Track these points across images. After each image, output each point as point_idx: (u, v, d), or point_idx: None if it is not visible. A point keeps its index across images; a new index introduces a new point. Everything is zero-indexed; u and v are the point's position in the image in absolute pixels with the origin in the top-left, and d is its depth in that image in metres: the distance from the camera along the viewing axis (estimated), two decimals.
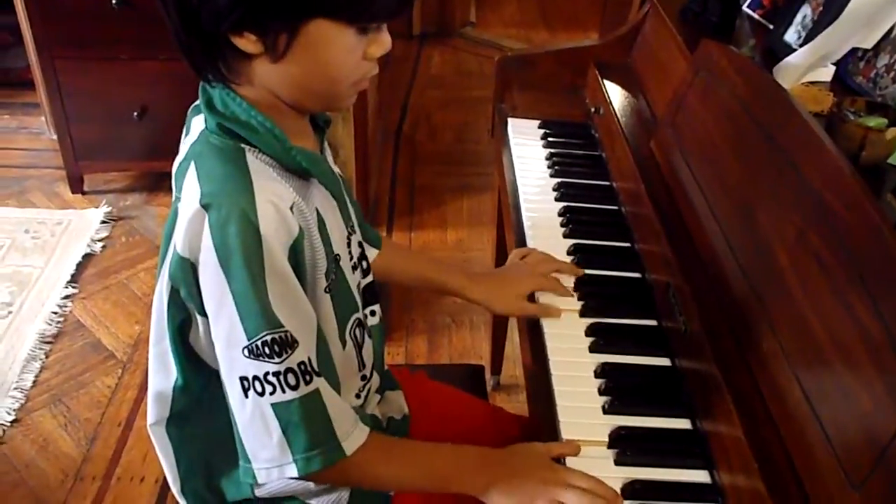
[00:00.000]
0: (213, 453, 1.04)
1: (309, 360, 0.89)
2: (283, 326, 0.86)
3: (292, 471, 0.90)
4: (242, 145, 0.89)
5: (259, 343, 0.85)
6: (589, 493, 0.92)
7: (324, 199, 0.97)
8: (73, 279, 2.54)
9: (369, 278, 1.11)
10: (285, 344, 0.86)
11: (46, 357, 2.26)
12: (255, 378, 0.86)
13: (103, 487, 1.91)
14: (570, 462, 0.98)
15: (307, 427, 0.89)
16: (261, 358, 0.86)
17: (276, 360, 0.86)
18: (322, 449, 0.90)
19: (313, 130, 1.00)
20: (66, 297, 2.47)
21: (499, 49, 4.06)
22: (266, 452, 0.90)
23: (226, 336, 0.87)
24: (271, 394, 0.87)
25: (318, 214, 0.94)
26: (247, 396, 0.87)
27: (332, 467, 0.91)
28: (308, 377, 0.88)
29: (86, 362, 2.26)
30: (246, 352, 0.86)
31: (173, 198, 0.94)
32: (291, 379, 0.87)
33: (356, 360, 1.08)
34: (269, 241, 0.84)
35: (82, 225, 2.77)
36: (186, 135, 0.96)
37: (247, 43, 0.83)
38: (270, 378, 0.86)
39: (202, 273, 0.86)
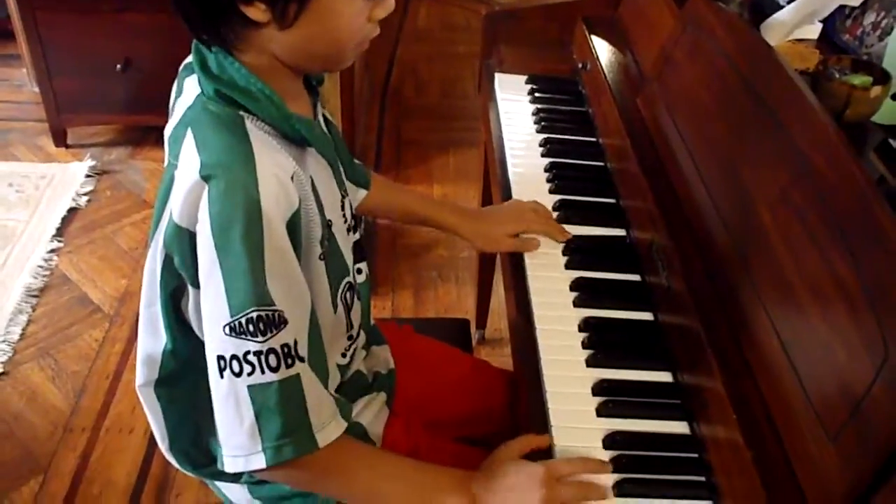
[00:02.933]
0: (201, 414, 1.01)
1: (295, 342, 0.85)
2: (273, 304, 0.83)
3: (259, 461, 0.85)
4: (241, 112, 0.87)
5: (243, 320, 0.82)
6: (577, 476, 0.92)
7: (317, 165, 0.96)
8: (59, 233, 2.53)
9: (356, 236, 1.10)
10: (272, 323, 0.83)
11: (33, 310, 2.26)
12: (234, 357, 0.83)
13: (92, 438, 1.93)
14: (556, 416, 0.99)
15: (281, 413, 0.84)
16: (242, 336, 0.82)
17: (260, 338, 0.82)
18: (294, 438, 0.85)
19: (307, 91, 0.99)
20: (52, 250, 2.46)
21: (486, 3, 4.01)
22: (235, 439, 0.86)
23: (210, 311, 0.85)
24: (249, 374, 0.83)
25: (312, 181, 0.93)
26: (222, 377, 0.84)
27: (302, 462, 0.87)
28: (290, 360, 0.85)
29: (73, 316, 2.26)
30: (227, 329, 0.82)
31: (166, 161, 0.92)
32: (272, 360, 0.83)
33: (345, 322, 1.07)
34: (270, 215, 0.82)
35: (66, 178, 2.75)
36: (178, 96, 0.94)
37: (256, 12, 0.82)
38: (251, 357, 0.83)
39: (199, 245, 0.84)
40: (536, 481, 0.91)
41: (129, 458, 1.89)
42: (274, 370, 0.84)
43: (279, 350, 0.84)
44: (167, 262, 0.91)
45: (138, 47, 2.66)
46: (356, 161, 1.21)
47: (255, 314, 0.82)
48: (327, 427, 0.89)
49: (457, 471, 0.97)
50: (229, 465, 0.87)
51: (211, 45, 0.88)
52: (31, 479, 1.83)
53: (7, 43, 3.25)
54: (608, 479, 0.93)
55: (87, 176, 2.76)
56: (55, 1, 2.57)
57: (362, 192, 1.23)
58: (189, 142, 0.86)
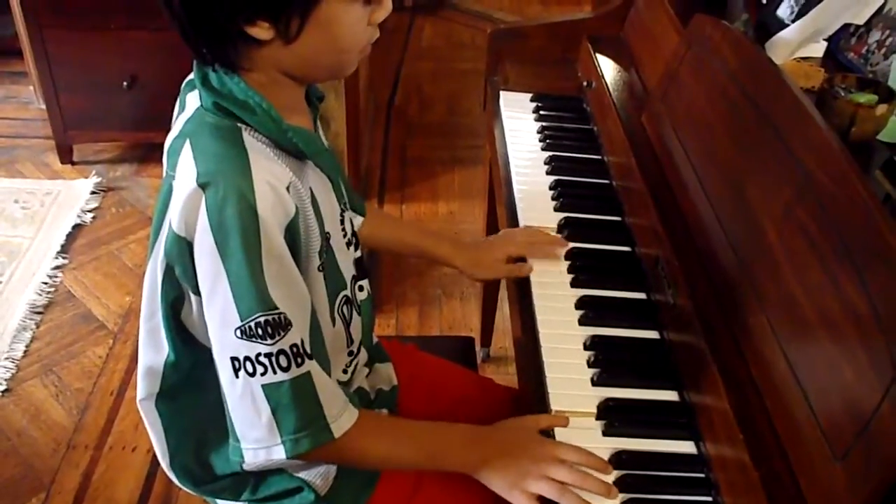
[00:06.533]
0: (203, 428, 1.04)
1: (301, 342, 0.89)
2: (277, 308, 0.86)
3: (279, 453, 0.90)
4: (239, 124, 0.88)
5: (252, 324, 0.85)
6: (578, 467, 0.93)
7: (317, 178, 0.97)
8: (64, 250, 2.54)
9: (358, 252, 1.11)
10: (279, 326, 0.86)
11: (37, 327, 2.26)
12: (247, 358, 0.87)
13: (95, 456, 1.92)
14: (559, 433, 0.99)
15: (296, 409, 0.89)
16: (253, 339, 0.86)
17: (269, 341, 0.86)
18: (310, 431, 0.90)
19: (307, 106, 1.00)
20: (57, 267, 2.46)
21: (491, 21, 4.04)
22: (255, 433, 0.90)
23: (219, 316, 0.87)
24: (262, 374, 0.87)
25: (312, 193, 0.94)
26: (237, 377, 0.88)
27: (321, 449, 0.92)
28: (300, 360, 0.88)
29: (76, 333, 2.26)
30: (238, 332, 0.86)
31: (165, 173, 0.93)
32: (283, 361, 0.87)
33: (344, 337, 1.08)
34: (266, 221, 0.84)
35: (72, 195, 2.76)
36: (181, 111, 0.95)
37: (259, 31, 0.84)
38: (262, 359, 0.86)
39: (197, 252, 0.86)
40: (542, 454, 0.95)
41: (131, 477, 1.88)
42: (285, 370, 0.87)
43: (289, 351, 0.87)
44: (168, 272, 0.92)
45: (144, 65, 2.67)
46: (353, 193, 1.22)
47: (262, 318, 0.85)
48: (341, 418, 0.93)
49: (467, 428, 1.03)
50: (249, 456, 0.91)
51: (214, 65, 0.89)
52: (33, 496, 1.83)
53: (14, 60, 3.27)
54: (615, 501, 0.92)
55: (93, 193, 2.77)
56: (62, 19, 2.59)
57: (358, 219, 1.24)
58: (187, 152, 0.88)
